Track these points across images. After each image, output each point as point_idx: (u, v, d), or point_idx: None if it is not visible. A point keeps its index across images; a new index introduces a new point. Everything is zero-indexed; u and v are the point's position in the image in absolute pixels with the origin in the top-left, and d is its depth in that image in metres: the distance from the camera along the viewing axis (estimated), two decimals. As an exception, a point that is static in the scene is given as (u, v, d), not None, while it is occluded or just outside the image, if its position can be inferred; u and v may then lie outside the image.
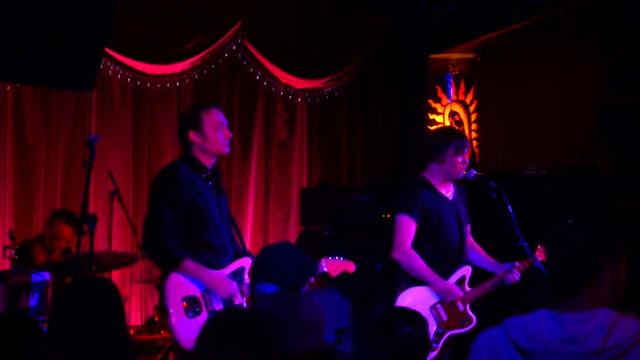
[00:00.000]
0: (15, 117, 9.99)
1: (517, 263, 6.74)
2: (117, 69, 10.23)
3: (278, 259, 5.07)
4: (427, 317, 5.61)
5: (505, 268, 6.78)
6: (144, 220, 6.17)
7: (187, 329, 5.87)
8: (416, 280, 6.66)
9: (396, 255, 6.69)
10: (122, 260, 8.89)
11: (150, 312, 9.55)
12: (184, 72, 10.60)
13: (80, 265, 7.05)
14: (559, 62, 9.66)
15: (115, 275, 9.34)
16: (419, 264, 6.62)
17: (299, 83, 11.22)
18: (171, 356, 8.80)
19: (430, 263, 6.64)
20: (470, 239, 7.10)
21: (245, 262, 6.22)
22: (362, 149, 11.72)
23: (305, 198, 10.94)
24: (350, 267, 6.45)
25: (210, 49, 10.65)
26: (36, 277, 7.05)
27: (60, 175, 10.12)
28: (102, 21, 7.70)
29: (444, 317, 6.63)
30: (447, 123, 11.03)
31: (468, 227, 7.07)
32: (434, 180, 6.85)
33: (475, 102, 11.04)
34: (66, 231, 8.77)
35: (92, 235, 6.60)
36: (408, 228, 6.68)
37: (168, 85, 10.58)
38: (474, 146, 10.99)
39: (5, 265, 8.51)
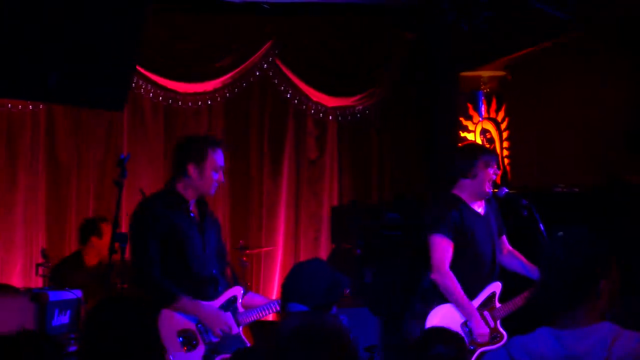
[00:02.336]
0: (48, 135, 10.09)
1: None
2: (148, 88, 10.30)
3: (309, 279, 5.04)
4: None
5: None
6: (132, 259, 6.09)
7: None
8: (445, 298, 6.65)
9: (434, 276, 6.65)
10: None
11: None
12: (215, 91, 10.65)
13: (111, 283, 7.10)
14: (590, 79, 9.63)
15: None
16: (454, 288, 6.59)
17: (330, 101, 11.22)
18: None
19: (462, 280, 6.62)
20: (508, 247, 7.07)
21: (237, 291, 6.14)
22: (392, 166, 11.69)
23: (335, 216, 10.93)
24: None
25: (242, 67, 10.70)
26: (68, 295, 7.07)
27: (92, 194, 10.19)
28: (131, 40, 7.75)
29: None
30: (479, 141, 10.99)
31: (503, 238, 7.04)
32: (465, 197, 6.82)
33: (506, 119, 11.00)
34: (101, 242, 8.75)
35: (123, 253, 6.61)
36: (442, 247, 6.64)
37: (199, 103, 10.64)
38: (506, 164, 10.94)
39: (38, 283, 8.56)
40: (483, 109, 11.08)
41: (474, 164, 6.76)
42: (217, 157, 6.11)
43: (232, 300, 6.12)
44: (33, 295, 6.55)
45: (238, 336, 6.09)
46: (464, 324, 6.62)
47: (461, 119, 11.12)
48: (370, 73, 11.32)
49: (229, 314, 6.07)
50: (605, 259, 3.29)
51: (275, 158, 11.14)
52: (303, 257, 10.94)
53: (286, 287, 5.06)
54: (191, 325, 5.94)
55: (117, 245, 6.48)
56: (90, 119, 10.24)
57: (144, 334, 3.83)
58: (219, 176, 6.14)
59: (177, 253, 5.99)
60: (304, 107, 11.16)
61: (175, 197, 6.08)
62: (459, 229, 6.68)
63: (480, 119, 11.09)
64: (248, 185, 11.02)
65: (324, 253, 11.03)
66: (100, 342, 3.74)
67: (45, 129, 10.08)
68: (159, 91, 10.40)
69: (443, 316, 6.59)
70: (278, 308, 6.15)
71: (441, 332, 4.84)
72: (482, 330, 6.60)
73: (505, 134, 11.02)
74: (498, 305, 6.72)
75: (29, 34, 7.29)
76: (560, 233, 3.36)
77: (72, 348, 6.71)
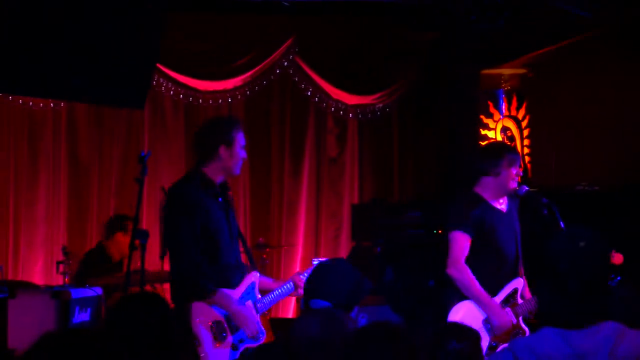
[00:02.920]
0: (69, 133, 10.13)
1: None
2: (169, 86, 10.32)
3: (333, 278, 5.05)
4: (480, 331, 5.57)
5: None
6: (171, 248, 6.13)
7: (218, 356, 5.90)
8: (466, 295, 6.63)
9: (450, 271, 6.65)
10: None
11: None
12: (235, 89, 10.66)
13: (131, 281, 7.12)
14: (611, 77, 9.59)
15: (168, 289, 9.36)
16: (471, 282, 6.57)
17: (350, 99, 11.22)
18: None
19: (485, 276, 6.60)
20: None
21: (254, 277, 6.23)
22: (413, 164, 11.69)
23: (356, 214, 10.93)
24: None
25: (262, 65, 10.71)
26: (89, 292, 7.11)
27: (114, 191, 10.23)
28: (152, 39, 7.79)
29: (497, 332, 6.57)
30: (499, 138, 10.98)
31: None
32: (487, 195, 6.80)
33: (527, 117, 10.98)
34: (124, 239, 8.81)
35: (143, 250, 6.63)
36: (462, 244, 6.63)
37: (220, 101, 10.65)
38: (527, 162, 10.92)
39: (59, 280, 8.59)
40: (504, 106, 11.06)
41: (499, 163, 6.74)
42: (241, 137, 6.24)
43: (252, 287, 6.19)
44: (54, 292, 6.59)
45: (258, 324, 6.16)
46: (486, 321, 6.60)
47: (482, 116, 11.11)
48: (391, 71, 11.31)
49: (251, 307, 6.13)
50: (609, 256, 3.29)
51: (296, 156, 11.15)
52: (323, 255, 10.94)
53: (311, 283, 5.07)
54: (221, 317, 5.99)
55: (137, 242, 6.51)
56: (111, 117, 10.27)
57: (163, 331, 3.84)
58: (244, 153, 6.26)
59: (209, 241, 6.04)
60: (324, 105, 11.16)
61: (206, 182, 6.15)
62: (481, 227, 6.66)
63: (501, 116, 11.08)
64: (268, 183, 11.03)
65: (344, 251, 11.04)
66: (122, 339, 3.75)
67: (67, 126, 10.12)
68: (179, 89, 10.42)
69: (464, 313, 6.57)
70: (291, 290, 6.30)
71: (455, 328, 4.84)
72: (502, 323, 6.58)
73: (526, 132, 11.00)
74: (520, 301, 6.69)
75: (51, 34, 7.33)
76: (564, 237, 3.34)
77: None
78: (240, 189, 10.79)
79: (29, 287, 7.07)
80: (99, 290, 7.15)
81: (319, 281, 5.03)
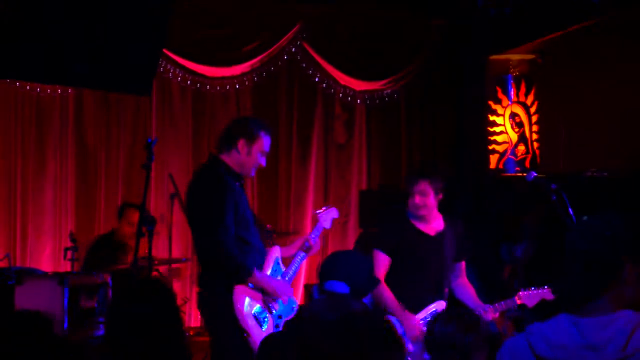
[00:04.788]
0: (77, 120, 10.12)
1: (489, 306, 6.63)
2: (176, 72, 10.31)
3: (352, 262, 5.09)
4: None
5: (479, 308, 6.69)
6: (203, 230, 6.02)
7: None
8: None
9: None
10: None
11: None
12: (243, 75, 10.64)
13: (139, 268, 7.13)
14: (621, 62, 9.55)
15: (176, 277, 9.38)
16: (386, 297, 6.61)
17: (358, 85, 11.20)
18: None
19: (403, 296, 6.62)
20: (463, 276, 7.05)
21: (277, 252, 6.34)
22: (421, 150, 11.66)
23: (364, 200, 10.92)
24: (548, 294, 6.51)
25: (270, 51, 10.69)
26: (96, 279, 7.11)
27: (121, 178, 10.23)
28: (158, 25, 7.76)
29: (410, 349, 6.54)
30: (508, 124, 10.94)
31: (461, 264, 7.01)
32: (411, 218, 6.86)
33: (536, 103, 10.95)
34: (136, 216, 8.82)
35: (150, 237, 6.63)
36: (379, 262, 6.65)
37: (227, 87, 10.64)
38: (535, 148, 10.90)
39: (67, 266, 8.60)
40: (512, 92, 11.02)
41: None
42: (266, 142, 6.29)
43: (277, 262, 6.30)
44: (61, 279, 6.58)
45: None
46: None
47: (490, 102, 11.07)
48: (399, 57, 11.28)
49: (282, 279, 6.25)
50: (632, 244, 3.24)
51: (303, 142, 11.14)
52: (331, 241, 10.95)
53: (328, 265, 5.08)
54: (260, 302, 6.06)
55: (144, 228, 6.51)
56: (119, 103, 10.27)
57: (170, 319, 3.83)
58: (263, 160, 6.31)
59: (241, 223, 6.09)
60: (332, 90, 11.14)
61: (228, 168, 6.19)
62: (399, 248, 6.68)
63: (510, 102, 11.04)
64: (276, 169, 11.02)
65: (351, 237, 11.03)
66: (125, 327, 3.75)
67: (74, 113, 10.12)
68: (187, 75, 10.41)
69: None
70: (306, 255, 6.46)
71: (450, 312, 4.86)
72: (414, 332, 6.57)
73: (534, 118, 10.97)
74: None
75: (56, 19, 7.32)
76: (585, 218, 3.32)
77: (100, 332, 6.75)
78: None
79: (36, 273, 7.06)
80: (105, 277, 7.15)
81: (337, 264, 5.05)
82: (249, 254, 6.06)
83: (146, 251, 6.90)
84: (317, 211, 6.74)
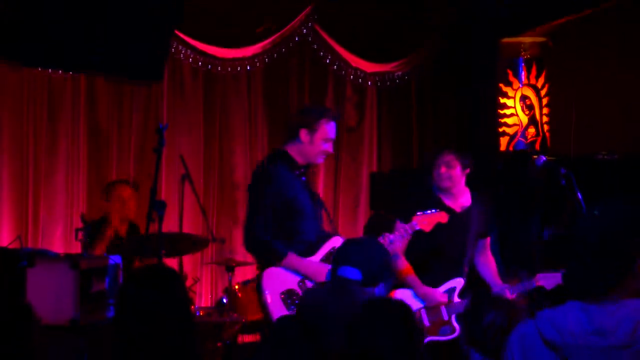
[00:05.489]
0: (88, 101, 10.11)
1: (507, 287, 6.66)
2: (188, 53, 10.30)
3: (368, 249, 5.12)
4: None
5: (499, 288, 6.73)
6: (245, 221, 6.31)
7: None
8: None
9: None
10: (194, 245, 8.92)
11: (220, 294, 9.62)
12: (254, 56, 10.63)
13: (150, 249, 7.15)
14: (632, 45, 9.55)
15: (187, 257, 9.40)
16: (404, 270, 6.66)
17: (369, 67, 11.19)
18: (239, 338, 8.92)
19: (422, 270, 6.66)
20: (488, 253, 7.11)
21: (336, 242, 6.29)
22: (432, 132, 11.67)
23: (375, 182, 10.93)
24: (443, 217, 6.51)
25: (281, 32, 10.68)
26: (107, 261, 7.12)
27: (133, 160, 10.25)
28: (169, 8, 7.76)
29: (426, 323, 6.58)
30: (518, 107, 10.94)
31: (485, 241, 7.08)
32: (441, 193, 6.89)
33: (546, 86, 10.94)
34: (126, 191, 8.82)
35: (160, 222, 6.66)
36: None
37: (239, 69, 10.63)
38: (545, 130, 10.90)
39: (78, 248, 8.62)
40: (523, 75, 11.01)
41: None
42: (329, 129, 6.39)
43: (332, 253, 6.25)
44: (73, 261, 6.61)
45: None
46: (417, 312, 6.61)
47: (501, 85, 11.06)
48: (410, 39, 11.27)
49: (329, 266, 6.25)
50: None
51: (315, 124, 11.12)
52: (342, 224, 10.98)
53: (343, 250, 5.10)
54: (293, 285, 6.10)
55: (154, 213, 6.54)
56: (131, 84, 10.26)
57: (177, 303, 3.87)
58: (328, 146, 6.41)
59: (291, 216, 6.23)
60: (343, 72, 11.14)
61: (290, 160, 6.35)
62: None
63: (520, 85, 11.02)
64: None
65: (362, 220, 11.04)
66: (133, 312, 3.78)
67: (86, 94, 10.10)
68: (198, 56, 10.40)
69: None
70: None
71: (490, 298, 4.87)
72: (435, 298, 6.61)
73: (545, 100, 10.96)
74: (457, 300, 6.70)
75: (65, 4, 7.33)
76: (597, 212, 3.36)
77: (110, 314, 6.79)
78: (259, 157, 10.78)
79: (47, 255, 7.09)
80: (117, 259, 7.17)
81: (353, 250, 5.08)
82: (293, 242, 6.18)
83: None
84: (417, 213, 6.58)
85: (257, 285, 6.19)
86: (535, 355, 3.29)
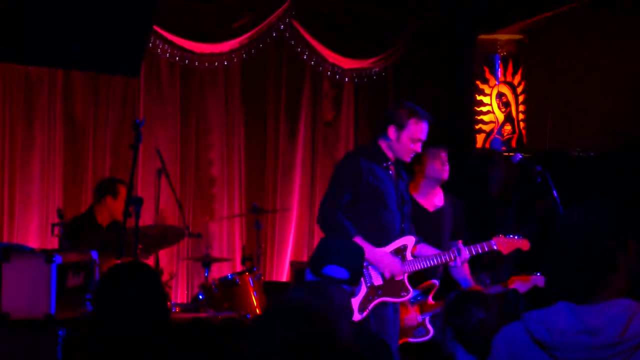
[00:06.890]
0: (65, 94, 10.08)
1: (465, 247, 6.60)
2: (165, 47, 10.28)
3: (352, 248, 5.14)
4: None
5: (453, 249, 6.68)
6: (322, 197, 6.56)
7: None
8: None
9: None
10: (170, 237, 8.91)
11: (196, 290, 9.61)
12: (231, 51, 10.61)
13: (126, 245, 7.14)
14: (607, 43, 9.59)
15: (163, 252, 9.38)
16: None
17: (347, 63, 11.19)
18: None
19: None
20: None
21: (408, 241, 6.45)
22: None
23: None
24: (525, 245, 6.59)
25: (258, 28, 10.65)
26: (83, 256, 7.11)
27: (109, 153, 10.22)
28: (147, 3, 7.74)
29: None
30: (495, 104, 10.98)
31: (456, 243, 6.90)
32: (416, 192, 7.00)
33: (523, 83, 10.99)
34: (124, 191, 8.79)
35: (137, 217, 6.66)
36: None
37: (216, 64, 10.61)
38: (522, 127, 10.94)
39: (54, 242, 8.60)
40: (500, 72, 11.06)
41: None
42: (418, 129, 6.49)
43: (402, 249, 6.40)
44: (48, 256, 6.59)
45: (402, 283, 6.36)
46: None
47: (478, 82, 11.09)
48: (387, 35, 11.28)
49: (397, 260, 6.34)
50: (620, 231, 3.29)
51: (291, 119, 11.15)
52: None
53: (326, 249, 5.07)
54: None
55: (131, 208, 6.53)
56: (107, 79, 10.23)
57: (155, 299, 3.88)
58: (416, 146, 6.50)
59: (373, 201, 6.37)
60: (321, 68, 11.14)
61: (378, 153, 6.50)
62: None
63: (497, 82, 11.07)
64: (263, 146, 11.03)
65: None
66: (111, 307, 3.79)
67: (62, 88, 10.08)
68: (175, 51, 10.37)
69: None
70: (447, 259, 6.45)
71: (476, 296, 4.87)
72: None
73: (521, 98, 11.01)
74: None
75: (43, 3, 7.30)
76: (575, 212, 3.37)
77: (87, 309, 6.78)
78: (235, 153, 10.82)
79: (22, 250, 7.07)
80: (94, 255, 7.15)
81: (336, 249, 5.07)
82: (372, 231, 6.30)
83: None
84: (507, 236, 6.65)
85: None
86: (523, 355, 3.31)
